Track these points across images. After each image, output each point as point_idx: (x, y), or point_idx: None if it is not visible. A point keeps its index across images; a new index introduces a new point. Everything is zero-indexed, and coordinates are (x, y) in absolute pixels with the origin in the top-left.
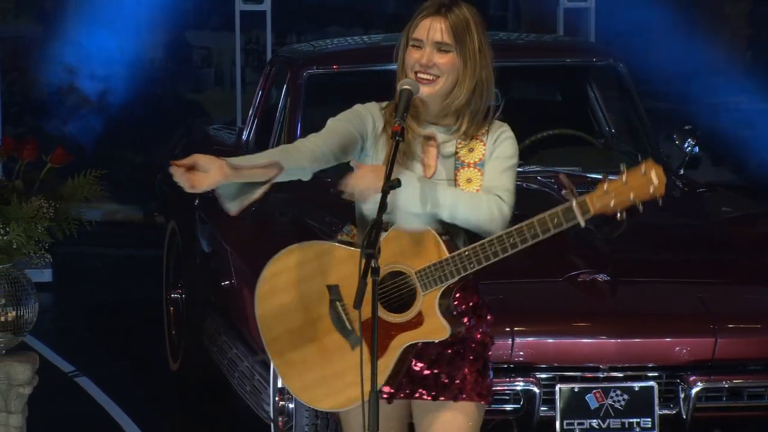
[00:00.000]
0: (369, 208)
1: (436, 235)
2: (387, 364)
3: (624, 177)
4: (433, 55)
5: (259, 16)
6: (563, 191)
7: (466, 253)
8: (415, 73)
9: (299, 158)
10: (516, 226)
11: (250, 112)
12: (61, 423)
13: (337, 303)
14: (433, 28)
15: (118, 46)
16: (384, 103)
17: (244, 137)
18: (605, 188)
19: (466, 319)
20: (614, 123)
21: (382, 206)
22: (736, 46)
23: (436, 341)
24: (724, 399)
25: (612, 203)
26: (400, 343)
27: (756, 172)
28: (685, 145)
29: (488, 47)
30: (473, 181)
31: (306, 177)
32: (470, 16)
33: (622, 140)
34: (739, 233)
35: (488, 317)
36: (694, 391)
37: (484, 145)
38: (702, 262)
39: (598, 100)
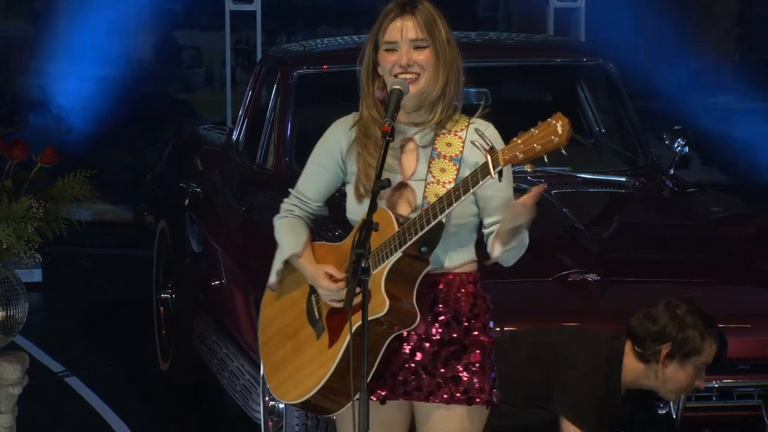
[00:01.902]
0: (350, 214)
1: (390, 213)
2: (340, 347)
3: (533, 129)
4: (411, 54)
5: (249, 16)
6: (478, 144)
7: (406, 225)
8: (395, 75)
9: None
10: (444, 193)
11: (240, 113)
12: (50, 423)
13: (312, 296)
14: (405, 27)
15: (107, 46)
16: (350, 116)
17: (234, 137)
18: (516, 141)
19: (464, 320)
20: (604, 123)
21: (372, 206)
22: (726, 45)
23: (379, 317)
24: (714, 399)
25: (519, 155)
26: (353, 324)
27: (745, 172)
28: (675, 145)
29: (453, 37)
30: (447, 172)
31: None
32: (434, 10)
33: (611, 140)
34: (729, 233)
35: (487, 317)
36: None
37: (463, 141)
38: (691, 262)
39: (588, 100)
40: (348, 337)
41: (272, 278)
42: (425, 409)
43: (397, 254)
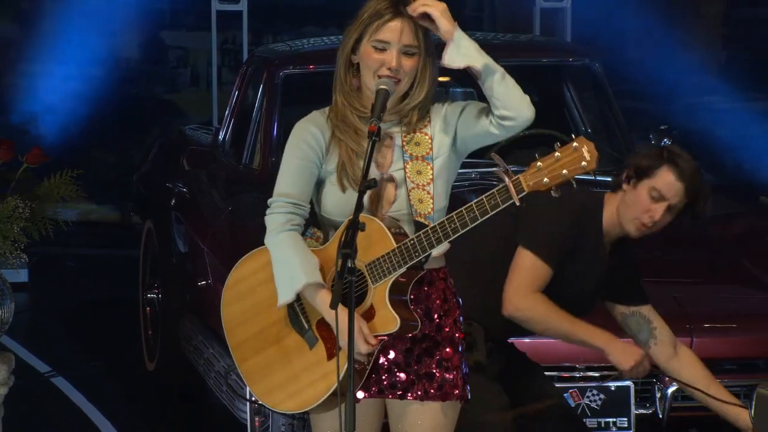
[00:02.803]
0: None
1: (384, 227)
2: (344, 361)
3: (557, 153)
4: (401, 58)
5: (235, 16)
6: (495, 170)
7: (411, 242)
8: (379, 75)
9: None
10: (455, 212)
11: (227, 112)
12: (37, 423)
13: (295, 303)
14: (402, 30)
15: (94, 46)
16: (316, 113)
17: (220, 137)
18: (538, 165)
19: (436, 316)
20: (590, 122)
21: (359, 206)
22: (712, 45)
23: (388, 333)
24: None
25: (545, 180)
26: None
27: (731, 171)
28: (661, 145)
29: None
30: (423, 173)
31: None
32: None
33: (598, 140)
34: (715, 233)
35: (458, 313)
36: (670, 390)
37: (429, 137)
38: (678, 262)
39: (574, 100)
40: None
41: (287, 297)
42: (399, 405)
43: (402, 269)
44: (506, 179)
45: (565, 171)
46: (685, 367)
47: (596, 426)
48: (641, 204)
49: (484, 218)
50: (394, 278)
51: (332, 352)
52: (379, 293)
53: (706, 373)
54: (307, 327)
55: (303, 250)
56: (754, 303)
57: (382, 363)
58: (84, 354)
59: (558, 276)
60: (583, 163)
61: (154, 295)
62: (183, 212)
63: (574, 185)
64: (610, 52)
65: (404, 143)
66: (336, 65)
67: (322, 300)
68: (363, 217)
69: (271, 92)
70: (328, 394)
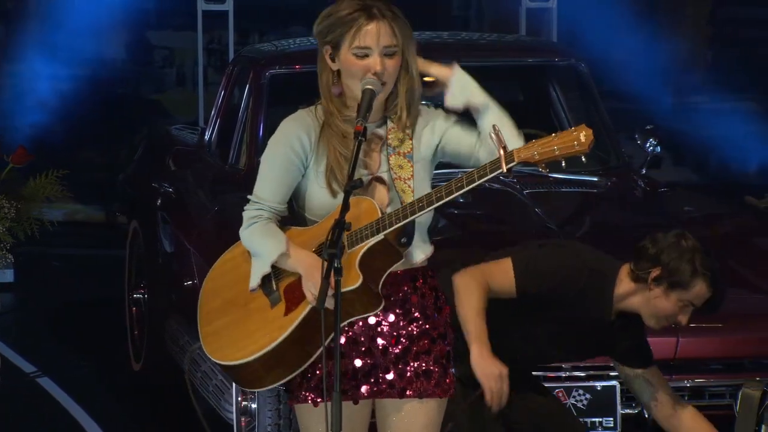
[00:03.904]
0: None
1: (374, 202)
2: (298, 315)
3: (554, 134)
4: (384, 61)
5: (221, 16)
6: (491, 138)
7: (395, 212)
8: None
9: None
10: (444, 184)
11: (213, 112)
12: (22, 423)
13: (271, 273)
14: (381, 33)
15: (79, 46)
16: (302, 113)
17: (206, 137)
18: (534, 142)
19: (429, 312)
20: (576, 122)
21: (345, 206)
22: (698, 45)
23: (349, 289)
24: (686, 398)
25: (535, 153)
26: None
27: (717, 171)
28: (647, 145)
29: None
30: (404, 168)
31: None
32: (400, 13)
33: None
34: (701, 233)
35: (449, 310)
36: None
37: (411, 140)
38: None
39: (560, 100)
40: (307, 308)
41: (255, 281)
42: (393, 404)
43: (379, 236)
44: (499, 148)
45: (556, 148)
46: (684, 425)
47: None
48: (670, 310)
49: (470, 187)
50: (370, 244)
51: (290, 309)
52: (351, 257)
53: (706, 428)
54: (275, 289)
55: (268, 231)
56: (740, 303)
57: (381, 364)
58: (70, 354)
59: (538, 313)
60: (575, 143)
61: (140, 296)
62: (169, 212)
63: (563, 165)
64: (596, 52)
65: (388, 135)
66: (318, 74)
67: (296, 257)
68: (357, 198)
69: (257, 92)
70: (273, 345)
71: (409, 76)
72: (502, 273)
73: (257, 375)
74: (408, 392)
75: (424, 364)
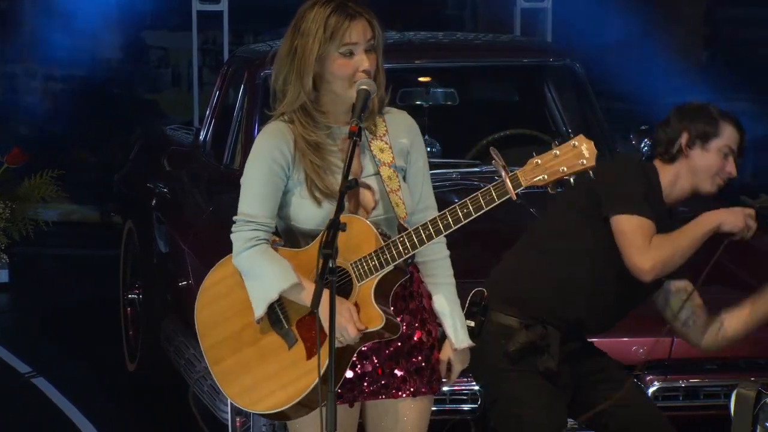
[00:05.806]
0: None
1: (370, 224)
2: (326, 359)
3: (555, 151)
4: (369, 57)
5: (216, 16)
6: (493, 162)
7: (401, 239)
8: (355, 81)
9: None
10: (448, 208)
11: (207, 113)
12: (17, 424)
13: (275, 303)
14: (364, 27)
15: (75, 46)
16: (278, 125)
17: (201, 137)
18: (536, 162)
19: (408, 318)
20: (571, 123)
21: (340, 207)
22: (693, 46)
23: (372, 331)
24: (681, 398)
25: (543, 176)
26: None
27: None
28: (642, 145)
29: None
30: (393, 179)
31: None
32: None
33: None
34: None
35: (429, 305)
36: (650, 390)
37: (389, 145)
38: None
39: (554, 100)
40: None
41: (261, 311)
42: (386, 403)
43: (389, 267)
44: (503, 174)
45: (563, 168)
46: (727, 323)
47: (577, 426)
48: (716, 163)
49: (478, 214)
50: (380, 276)
51: (312, 351)
52: (364, 291)
53: (739, 313)
54: (287, 327)
55: (272, 260)
56: (734, 302)
57: (377, 365)
58: (65, 354)
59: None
60: (582, 160)
61: (135, 296)
62: (164, 212)
63: (572, 183)
64: (591, 52)
65: (371, 147)
66: (297, 85)
67: (309, 294)
68: (348, 217)
69: (251, 92)
70: (306, 393)
71: (381, 74)
72: (641, 227)
73: (290, 416)
74: (402, 392)
75: (416, 363)
